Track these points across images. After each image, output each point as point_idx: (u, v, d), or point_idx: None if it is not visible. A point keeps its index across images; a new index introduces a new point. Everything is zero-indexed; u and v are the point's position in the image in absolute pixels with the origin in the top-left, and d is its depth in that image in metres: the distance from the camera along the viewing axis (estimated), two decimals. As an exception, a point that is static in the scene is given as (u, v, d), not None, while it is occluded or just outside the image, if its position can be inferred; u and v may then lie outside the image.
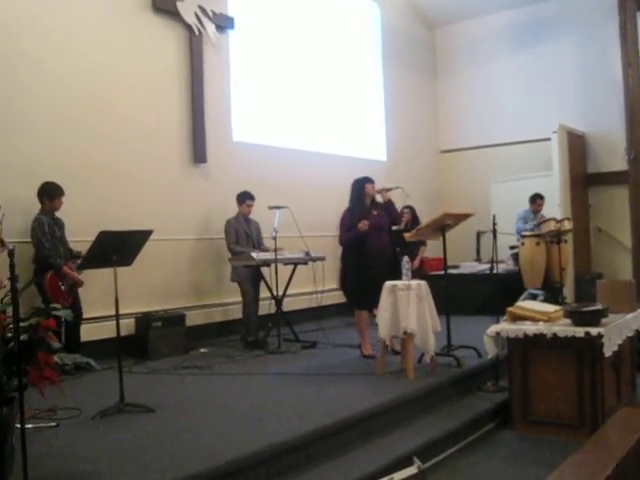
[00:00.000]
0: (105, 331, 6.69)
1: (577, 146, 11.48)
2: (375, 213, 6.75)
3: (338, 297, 10.17)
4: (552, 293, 9.08)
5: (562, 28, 11.92)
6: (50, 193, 6.50)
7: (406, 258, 5.97)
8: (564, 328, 5.20)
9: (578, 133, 11.59)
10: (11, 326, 3.37)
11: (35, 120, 6.85)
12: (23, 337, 3.37)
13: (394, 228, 7.15)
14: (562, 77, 11.89)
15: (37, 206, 6.54)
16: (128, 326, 7.18)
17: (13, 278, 3.18)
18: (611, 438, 3.95)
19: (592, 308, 5.36)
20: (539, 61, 12.14)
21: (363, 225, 6.50)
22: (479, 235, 11.05)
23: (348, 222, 6.72)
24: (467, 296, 9.55)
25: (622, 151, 11.06)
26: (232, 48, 9.18)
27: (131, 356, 7.00)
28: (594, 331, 5.06)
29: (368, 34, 11.93)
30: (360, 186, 6.81)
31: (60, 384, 3.53)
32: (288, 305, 8.39)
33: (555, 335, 5.19)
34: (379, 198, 6.99)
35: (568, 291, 10.01)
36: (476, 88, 12.94)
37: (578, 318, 5.25)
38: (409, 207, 9.27)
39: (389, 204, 6.97)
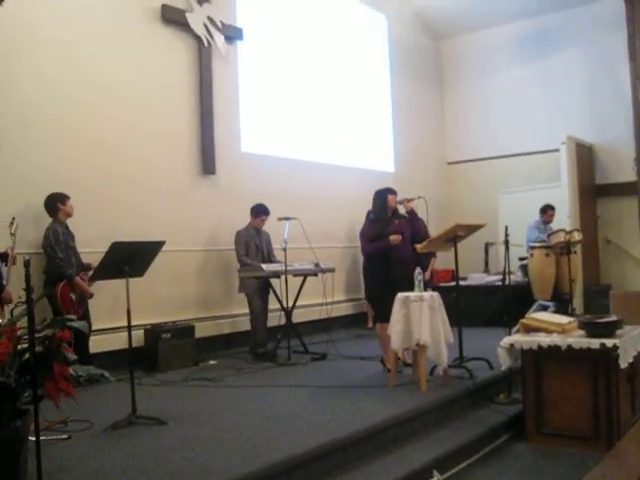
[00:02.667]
0: (113, 343, 6.68)
1: (585, 157, 11.47)
2: (397, 222, 6.69)
3: (347, 309, 10.21)
4: (561, 304, 9.03)
5: (569, 40, 11.92)
6: (60, 198, 6.51)
7: (418, 269, 5.93)
8: (579, 339, 5.15)
9: (586, 144, 11.57)
10: (26, 337, 3.34)
11: (45, 133, 6.85)
12: (37, 349, 3.35)
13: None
14: (569, 89, 11.88)
15: (49, 218, 6.53)
16: (137, 338, 7.11)
17: (29, 289, 3.15)
18: (629, 453, 3.92)
19: (608, 319, 5.31)
20: (546, 73, 12.13)
21: (395, 239, 6.43)
22: (487, 246, 11.02)
23: (369, 233, 6.67)
24: (476, 307, 9.48)
25: (630, 162, 11.05)
26: (241, 59, 9.19)
27: (140, 368, 6.97)
28: (610, 342, 5.00)
29: (375, 46, 11.94)
30: (382, 197, 6.72)
31: (75, 396, 3.50)
32: (297, 317, 8.35)
33: (570, 346, 5.14)
34: (401, 210, 6.97)
35: (577, 302, 9.95)
36: (483, 100, 12.94)
37: (593, 329, 5.20)
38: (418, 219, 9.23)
39: (412, 214, 6.95)
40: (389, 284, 6.29)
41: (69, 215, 6.58)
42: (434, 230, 7.58)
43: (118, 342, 6.55)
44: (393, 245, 6.45)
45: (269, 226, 8.21)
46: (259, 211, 8.08)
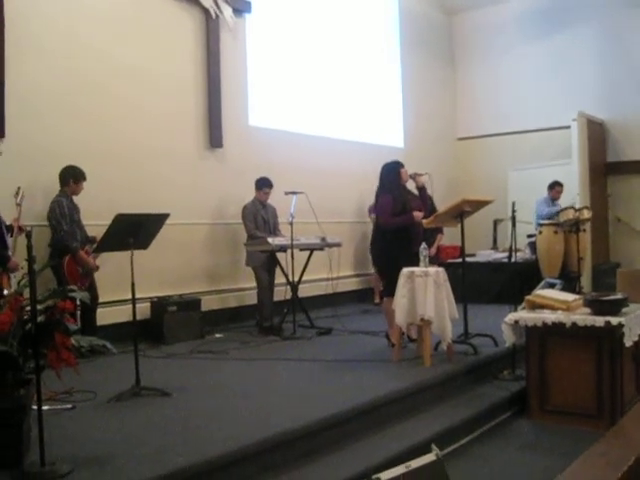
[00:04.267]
0: (120, 315, 6.69)
1: (597, 134, 11.36)
2: (410, 197, 6.62)
3: (354, 284, 10.22)
4: (569, 282, 9.00)
5: (581, 15, 11.73)
6: (76, 176, 6.54)
7: (424, 244, 5.91)
8: (584, 317, 5.14)
9: (598, 121, 11.45)
10: (28, 308, 3.36)
11: (53, 105, 6.84)
12: (40, 319, 3.37)
13: None
14: (582, 64, 11.71)
15: (57, 190, 6.55)
16: (143, 310, 7.17)
17: (30, 259, 3.16)
18: (630, 430, 3.91)
19: (612, 297, 5.29)
20: (558, 48, 11.98)
21: (418, 215, 6.39)
22: (496, 223, 10.98)
23: (391, 206, 6.45)
24: (483, 284, 9.44)
25: (643, 140, 10.95)
26: (249, 32, 9.11)
27: (146, 340, 7.00)
28: (614, 320, 4.98)
29: (386, 20, 11.83)
30: (395, 170, 6.59)
31: (77, 366, 3.52)
32: (303, 291, 8.36)
33: (574, 324, 5.12)
34: (410, 183, 6.84)
35: (585, 281, 9.92)
36: (494, 75, 12.80)
37: (598, 307, 5.18)
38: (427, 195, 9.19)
39: (423, 190, 6.81)
40: (406, 259, 6.17)
41: (74, 194, 6.60)
42: (443, 206, 7.53)
43: (125, 314, 6.55)
44: (415, 221, 6.41)
45: (275, 199, 8.19)
46: (262, 184, 8.06)
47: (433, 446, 3.07)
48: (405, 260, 6.12)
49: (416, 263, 5.95)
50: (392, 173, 6.60)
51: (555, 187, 10.00)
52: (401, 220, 6.40)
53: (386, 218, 6.49)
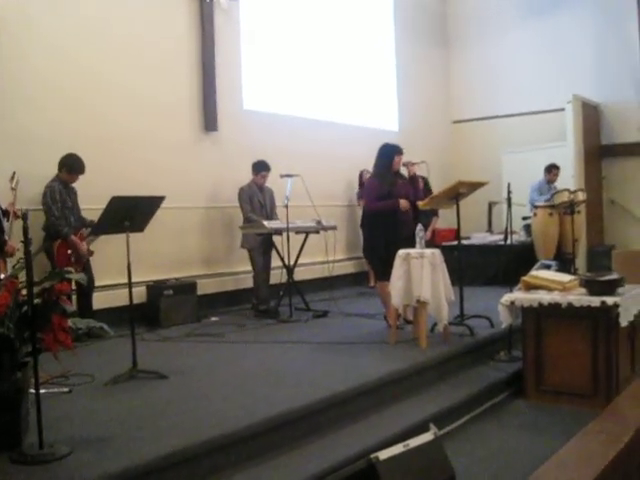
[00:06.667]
0: (116, 299, 6.69)
1: (591, 117, 11.35)
2: (400, 182, 6.60)
3: (349, 267, 10.22)
4: (564, 264, 9.02)
5: (577, -3, 11.71)
6: (71, 167, 6.48)
7: (420, 226, 5.91)
8: (579, 297, 5.15)
9: (592, 104, 11.44)
10: (24, 291, 3.35)
11: (49, 90, 6.81)
12: (36, 301, 3.36)
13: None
14: (577, 47, 11.67)
15: (52, 175, 6.51)
16: (139, 294, 7.16)
17: (27, 241, 3.15)
18: (627, 408, 3.94)
19: (608, 277, 5.30)
20: (553, 30, 11.93)
21: (404, 204, 6.34)
22: (491, 206, 10.98)
23: (377, 190, 6.48)
24: (479, 267, 9.46)
25: (636, 122, 10.96)
26: (243, 15, 9.05)
27: (142, 324, 6.99)
28: (610, 300, 5.00)
29: (380, 3, 11.76)
30: (388, 156, 6.53)
31: (74, 348, 3.51)
32: (299, 274, 8.35)
33: (570, 304, 5.14)
34: (403, 170, 6.84)
35: (580, 262, 9.94)
36: (489, 58, 12.76)
37: (594, 287, 5.19)
38: (421, 178, 9.17)
39: (414, 178, 6.83)
40: (392, 244, 6.21)
41: (69, 183, 6.56)
42: (438, 189, 7.54)
43: (121, 299, 6.54)
44: (400, 208, 6.39)
45: (271, 183, 8.17)
46: (260, 167, 8.03)
47: (431, 425, 3.08)
48: (392, 244, 6.15)
49: (404, 247, 5.94)
50: (386, 157, 6.58)
51: (552, 170, 10.01)
52: (384, 205, 6.41)
53: (370, 202, 6.57)
